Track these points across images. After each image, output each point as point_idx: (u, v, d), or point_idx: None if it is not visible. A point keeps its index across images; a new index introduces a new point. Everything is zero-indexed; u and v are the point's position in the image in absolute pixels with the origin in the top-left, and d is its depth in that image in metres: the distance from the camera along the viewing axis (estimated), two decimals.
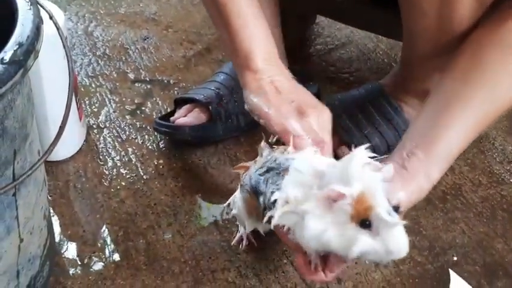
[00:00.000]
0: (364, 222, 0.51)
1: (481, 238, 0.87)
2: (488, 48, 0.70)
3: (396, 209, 0.52)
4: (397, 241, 0.51)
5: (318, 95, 1.06)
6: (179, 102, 0.99)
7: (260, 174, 0.63)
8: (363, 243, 0.51)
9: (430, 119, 0.70)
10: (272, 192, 0.58)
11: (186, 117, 0.95)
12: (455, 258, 0.84)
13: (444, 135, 0.67)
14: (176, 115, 0.96)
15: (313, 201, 0.53)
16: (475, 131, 0.70)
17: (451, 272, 0.82)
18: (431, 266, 0.82)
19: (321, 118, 0.68)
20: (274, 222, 0.57)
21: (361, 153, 0.53)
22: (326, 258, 0.61)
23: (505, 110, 0.71)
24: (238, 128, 0.97)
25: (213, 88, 0.97)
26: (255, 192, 0.64)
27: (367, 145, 0.54)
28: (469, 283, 0.80)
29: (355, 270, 0.80)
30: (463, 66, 0.71)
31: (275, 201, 0.57)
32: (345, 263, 0.61)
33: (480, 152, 1.03)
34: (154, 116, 1.04)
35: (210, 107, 0.94)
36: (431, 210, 0.91)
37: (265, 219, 0.59)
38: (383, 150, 0.95)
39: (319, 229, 0.52)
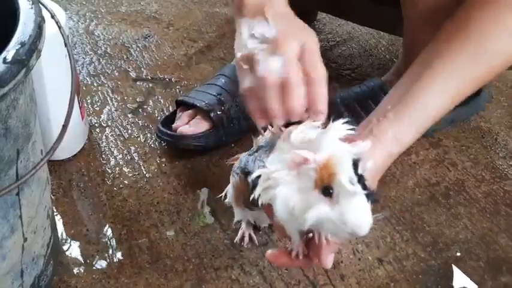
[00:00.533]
0: (327, 190, 0.49)
1: (485, 233, 0.87)
2: (477, 8, 0.67)
3: (360, 178, 0.49)
4: (355, 213, 0.48)
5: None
6: (180, 104, 0.99)
7: (249, 155, 0.61)
8: (319, 210, 0.49)
9: (408, 81, 0.66)
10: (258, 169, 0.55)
11: (188, 126, 0.94)
12: (458, 254, 0.84)
13: (420, 95, 0.63)
14: (178, 122, 0.95)
15: (284, 169, 0.51)
16: (457, 93, 0.66)
17: (454, 267, 0.82)
18: (435, 262, 0.82)
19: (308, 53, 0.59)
20: (256, 198, 0.54)
21: (337, 126, 0.51)
22: (311, 244, 0.58)
23: (492, 74, 0.68)
24: (241, 131, 0.97)
25: (214, 93, 0.96)
26: (244, 173, 0.61)
27: (346, 119, 0.52)
28: (473, 279, 0.80)
29: (358, 267, 0.80)
30: (449, 28, 0.68)
31: (259, 177, 0.54)
32: (329, 247, 0.57)
33: (483, 147, 1.03)
34: (156, 115, 1.05)
35: (212, 115, 0.93)
36: (435, 206, 0.91)
37: (251, 197, 0.56)
38: None
39: (286, 196, 0.51)
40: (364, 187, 0.49)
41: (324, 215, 0.49)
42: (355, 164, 0.49)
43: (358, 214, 0.49)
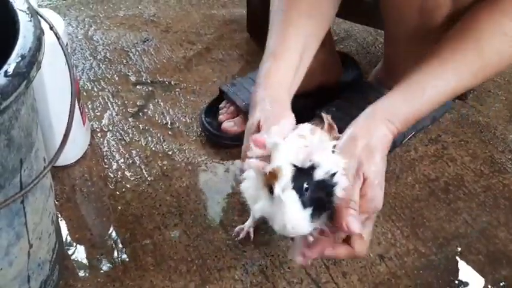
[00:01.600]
0: (271, 189, 0.56)
1: (484, 227, 0.88)
2: (481, 14, 0.70)
3: (333, 175, 0.57)
4: (280, 215, 0.55)
5: (359, 78, 1.10)
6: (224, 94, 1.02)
7: None
8: (262, 205, 0.58)
9: (405, 77, 0.70)
10: None
11: (232, 123, 0.98)
12: (459, 249, 0.85)
13: (419, 84, 0.67)
14: (221, 117, 1.00)
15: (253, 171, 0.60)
16: (460, 84, 0.70)
17: (459, 260, 0.83)
18: (436, 257, 0.83)
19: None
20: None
21: (303, 127, 0.61)
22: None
23: (487, 73, 0.71)
24: None
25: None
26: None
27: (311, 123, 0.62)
28: (473, 272, 0.81)
29: (360, 264, 0.81)
30: (453, 31, 0.72)
31: None
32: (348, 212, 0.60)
33: (481, 141, 1.04)
34: (156, 118, 1.06)
35: None
36: (434, 201, 0.92)
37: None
38: (390, 146, 0.96)
39: (247, 189, 0.61)
40: (314, 193, 0.56)
41: (265, 211, 0.58)
42: (306, 172, 0.56)
43: (283, 218, 0.55)
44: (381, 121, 0.65)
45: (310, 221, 0.56)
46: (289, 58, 0.71)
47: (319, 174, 0.56)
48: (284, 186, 0.55)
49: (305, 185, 0.56)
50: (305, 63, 0.74)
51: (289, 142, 0.58)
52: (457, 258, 0.83)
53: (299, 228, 0.56)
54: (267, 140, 0.58)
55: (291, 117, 0.65)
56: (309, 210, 0.56)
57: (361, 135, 0.63)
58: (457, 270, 0.82)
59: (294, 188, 0.55)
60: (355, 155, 0.61)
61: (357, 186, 0.60)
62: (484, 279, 0.81)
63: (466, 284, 0.80)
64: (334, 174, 0.57)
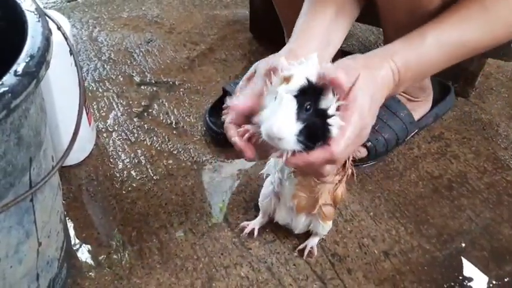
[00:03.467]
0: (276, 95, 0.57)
1: (488, 224, 0.89)
2: None
3: (312, 100, 0.56)
4: (273, 115, 0.55)
5: None
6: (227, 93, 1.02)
7: None
8: (266, 111, 0.57)
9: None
10: None
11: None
12: (463, 245, 0.85)
13: (422, 37, 0.66)
14: (225, 116, 0.98)
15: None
16: (464, 37, 0.68)
17: (456, 260, 0.83)
18: (440, 254, 0.84)
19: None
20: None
21: (310, 61, 0.59)
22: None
23: (502, 31, 0.71)
24: None
25: None
26: None
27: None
28: (477, 268, 0.82)
29: (365, 261, 0.82)
30: (462, 2, 0.71)
31: None
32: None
33: (484, 139, 1.04)
34: (161, 118, 1.06)
35: None
36: (438, 198, 0.92)
37: None
38: (393, 143, 0.97)
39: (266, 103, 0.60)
40: (311, 110, 0.56)
41: (267, 114, 0.57)
42: (314, 95, 0.56)
43: (273, 116, 0.55)
44: (382, 58, 0.64)
45: (296, 135, 0.55)
46: (323, 16, 0.73)
47: (323, 104, 0.56)
48: (289, 90, 0.55)
49: (308, 104, 0.56)
50: (342, 22, 0.76)
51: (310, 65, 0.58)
52: (461, 254, 0.84)
53: (282, 133, 0.55)
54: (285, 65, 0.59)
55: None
56: (299, 125, 0.55)
57: (361, 67, 0.62)
58: (461, 266, 0.82)
59: (296, 97, 0.55)
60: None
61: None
62: (488, 275, 0.81)
63: (471, 279, 0.80)
64: (333, 114, 0.57)
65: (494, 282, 0.80)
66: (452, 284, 0.80)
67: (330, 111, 0.57)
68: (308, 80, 0.56)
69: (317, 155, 0.58)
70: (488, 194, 0.93)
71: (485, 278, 0.81)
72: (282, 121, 0.55)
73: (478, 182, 0.96)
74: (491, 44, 0.72)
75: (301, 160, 0.58)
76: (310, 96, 0.56)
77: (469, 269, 0.82)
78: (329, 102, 0.57)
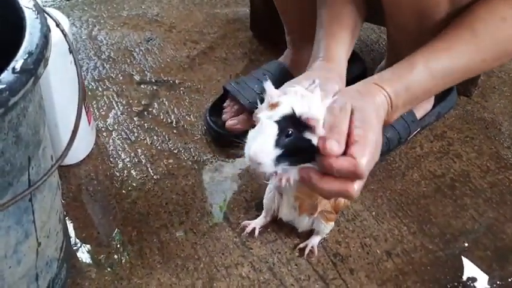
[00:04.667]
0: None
1: (491, 223, 0.88)
2: (477, 11, 0.70)
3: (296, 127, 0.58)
4: (253, 138, 0.58)
5: (364, 74, 1.11)
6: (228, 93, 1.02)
7: None
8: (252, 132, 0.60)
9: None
10: None
11: (236, 121, 0.97)
12: (466, 245, 0.84)
13: (411, 67, 0.67)
14: (225, 115, 1.00)
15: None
16: (454, 64, 0.69)
17: (463, 259, 0.82)
18: (443, 253, 0.83)
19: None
20: None
21: (297, 89, 0.61)
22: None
23: (492, 55, 0.71)
24: None
25: (258, 92, 0.99)
26: None
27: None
28: (481, 268, 0.81)
29: (367, 260, 0.81)
30: (452, 26, 0.72)
31: None
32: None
33: (487, 137, 1.04)
34: (161, 117, 1.06)
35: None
36: (441, 198, 0.92)
37: None
38: (395, 142, 0.96)
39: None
40: (291, 135, 0.58)
41: (251, 135, 0.60)
42: (299, 124, 0.58)
43: (254, 140, 0.58)
44: (375, 86, 0.65)
45: (274, 160, 0.57)
46: (345, 36, 0.76)
47: (309, 136, 0.58)
48: (271, 115, 0.57)
49: (290, 130, 0.57)
50: (353, 43, 0.79)
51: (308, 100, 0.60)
52: (465, 254, 0.83)
53: (260, 158, 0.57)
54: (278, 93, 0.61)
55: (337, 84, 0.68)
56: (278, 151, 0.57)
57: (351, 95, 0.64)
58: (465, 266, 0.82)
59: (278, 123, 0.57)
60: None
61: (343, 117, 0.60)
62: (491, 275, 0.80)
63: (474, 279, 0.80)
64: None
65: (498, 282, 0.80)
66: (456, 284, 0.79)
67: (315, 140, 0.58)
68: (294, 113, 0.57)
69: (342, 164, 0.58)
70: (492, 193, 0.93)
71: (489, 278, 0.80)
72: (260, 146, 0.57)
73: (481, 181, 0.95)
74: (482, 68, 0.73)
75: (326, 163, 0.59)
76: (294, 124, 0.58)
77: (472, 268, 0.81)
78: (314, 138, 0.58)
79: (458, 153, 1.00)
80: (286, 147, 0.57)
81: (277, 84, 0.94)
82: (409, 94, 0.67)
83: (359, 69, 1.14)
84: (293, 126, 0.58)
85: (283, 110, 0.58)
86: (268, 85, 0.61)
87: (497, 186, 0.94)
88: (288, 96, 0.60)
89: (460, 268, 0.81)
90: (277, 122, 0.57)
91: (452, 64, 0.69)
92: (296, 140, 0.58)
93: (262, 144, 0.57)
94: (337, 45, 0.75)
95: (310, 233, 0.81)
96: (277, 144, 0.57)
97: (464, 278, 0.80)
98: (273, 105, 0.59)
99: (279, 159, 0.58)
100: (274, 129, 0.57)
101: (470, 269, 0.81)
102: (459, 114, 1.09)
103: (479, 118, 1.08)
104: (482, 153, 1.00)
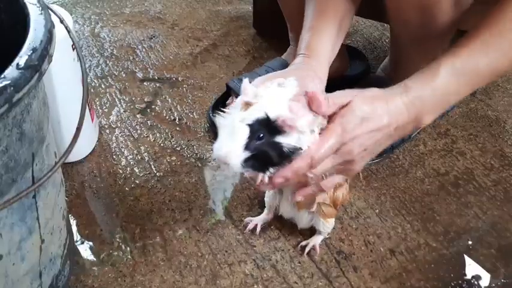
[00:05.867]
0: None
1: (495, 221, 0.87)
2: (499, 11, 0.68)
3: (294, 150, 0.59)
4: (224, 136, 0.59)
5: (367, 72, 1.11)
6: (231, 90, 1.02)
7: None
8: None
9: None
10: None
11: None
12: (470, 243, 0.84)
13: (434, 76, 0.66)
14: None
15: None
16: (479, 65, 0.68)
17: (466, 257, 0.82)
18: (447, 251, 0.83)
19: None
20: None
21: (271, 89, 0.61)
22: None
23: (507, 64, 0.70)
24: None
25: None
26: None
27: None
28: (485, 266, 0.81)
29: (371, 258, 0.81)
30: (475, 28, 0.70)
31: None
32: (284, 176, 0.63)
33: (491, 135, 1.03)
34: (164, 114, 1.06)
35: None
36: (444, 195, 0.91)
37: None
38: (399, 140, 0.95)
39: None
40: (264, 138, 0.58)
41: (218, 135, 0.60)
42: (272, 126, 0.58)
43: (224, 138, 0.58)
44: (394, 93, 0.65)
45: (243, 163, 0.58)
46: (329, 33, 0.75)
47: (281, 139, 0.58)
48: (244, 118, 0.57)
49: (260, 133, 0.58)
50: (340, 40, 0.78)
51: (280, 95, 0.60)
52: (468, 252, 0.83)
53: (229, 160, 0.58)
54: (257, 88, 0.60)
55: (319, 85, 0.69)
56: (247, 153, 0.58)
57: (366, 95, 0.64)
58: (469, 264, 0.81)
59: (250, 126, 0.57)
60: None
61: (328, 139, 0.61)
62: (495, 273, 0.80)
63: (478, 277, 0.79)
64: (293, 152, 0.59)
65: (502, 280, 0.79)
66: (459, 282, 0.79)
67: (287, 147, 0.59)
68: (268, 117, 0.58)
69: (297, 163, 0.60)
70: (496, 191, 0.92)
71: (493, 276, 0.80)
72: (229, 148, 0.58)
73: (484, 178, 0.94)
74: (508, 69, 0.71)
75: (282, 176, 0.61)
76: (266, 127, 0.58)
77: (476, 266, 0.81)
78: (287, 140, 0.59)
79: (462, 151, 1.00)
80: (256, 150, 0.58)
81: None
82: (437, 98, 0.67)
83: (362, 66, 1.13)
84: (265, 130, 0.58)
85: (257, 114, 0.58)
86: (245, 82, 0.61)
87: (501, 184, 0.94)
88: (263, 92, 0.60)
89: (464, 266, 0.81)
90: (250, 125, 0.58)
91: (479, 65, 0.68)
92: (266, 144, 0.59)
93: (232, 146, 0.58)
94: (319, 41, 0.75)
95: (314, 231, 0.81)
96: (247, 147, 0.58)
97: (468, 276, 0.80)
98: (247, 105, 0.59)
99: (247, 161, 0.58)
100: (245, 133, 0.58)
101: (474, 267, 0.81)
102: (463, 112, 1.08)
103: (483, 116, 1.08)
104: (486, 151, 1.00)
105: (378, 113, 0.63)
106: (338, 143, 0.62)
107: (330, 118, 0.62)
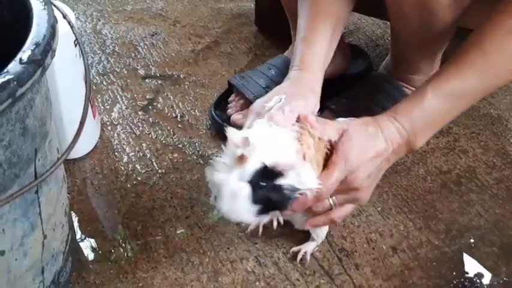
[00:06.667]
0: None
1: (497, 219, 0.87)
2: (488, 32, 0.69)
3: (295, 190, 0.60)
4: (229, 202, 0.59)
5: (369, 70, 1.11)
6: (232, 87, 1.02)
7: None
8: (219, 177, 0.60)
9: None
10: None
11: (241, 116, 0.96)
12: (472, 241, 0.84)
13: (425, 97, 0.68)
14: (230, 110, 1.00)
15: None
16: (467, 85, 0.69)
17: (465, 255, 0.82)
18: (449, 249, 0.83)
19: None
20: None
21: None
22: None
23: (504, 69, 0.70)
24: None
25: (263, 86, 0.99)
26: None
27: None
28: (487, 265, 0.81)
29: (373, 256, 0.81)
30: (461, 47, 0.71)
31: None
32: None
33: (493, 134, 1.03)
34: (166, 111, 1.05)
35: None
36: (447, 193, 0.91)
37: None
38: None
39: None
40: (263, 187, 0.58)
41: (219, 182, 0.60)
42: (270, 172, 0.58)
43: (230, 204, 0.58)
44: (386, 118, 0.68)
45: (256, 215, 0.59)
46: (321, 43, 0.77)
47: (282, 182, 0.59)
48: (242, 176, 0.57)
49: (262, 184, 0.58)
50: (333, 45, 0.79)
51: (274, 139, 0.60)
52: (471, 250, 0.83)
53: (243, 220, 0.60)
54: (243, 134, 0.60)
55: (313, 99, 0.70)
56: (255, 207, 0.58)
57: (357, 123, 0.67)
58: (471, 262, 0.81)
59: (250, 182, 0.57)
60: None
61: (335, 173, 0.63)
62: (497, 271, 0.80)
63: (481, 276, 0.79)
64: (296, 190, 0.60)
65: (504, 278, 0.79)
66: (461, 280, 0.78)
67: (288, 189, 0.59)
68: (265, 165, 0.58)
69: (304, 199, 0.62)
70: (498, 190, 0.92)
71: (495, 274, 0.80)
72: (237, 208, 0.58)
73: (487, 177, 0.94)
74: (498, 83, 0.73)
75: (291, 211, 0.63)
76: (265, 175, 0.58)
77: (478, 265, 0.81)
78: (288, 181, 0.59)
79: (464, 149, 1.00)
80: (262, 200, 0.59)
81: (283, 79, 0.94)
82: (427, 120, 0.68)
83: (364, 64, 1.13)
84: (265, 177, 0.58)
85: (253, 166, 0.58)
86: (231, 132, 0.60)
87: (504, 182, 0.93)
88: (254, 135, 0.59)
89: (466, 264, 0.81)
90: (249, 181, 0.58)
91: (465, 84, 0.68)
92: (270, 190, 0.59)
93: (239, 208, 0.58)
94: (312, 54, 0.76)
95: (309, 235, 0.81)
96: (254, 201, 0.58)
97: (470, 274, 0.79)
98: (241, 159, 0.58)
99: (257, 213, 0.59)
100: (247, 190, 0.58)
101: (476, 265, 0.81)
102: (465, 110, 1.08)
103: (486, 114, 1.07)
104: (489, 149, 1.00)
105: (374, 139, 0.66)
106: (343, 174, 0.64)
107: (331, 149, 0.65)
